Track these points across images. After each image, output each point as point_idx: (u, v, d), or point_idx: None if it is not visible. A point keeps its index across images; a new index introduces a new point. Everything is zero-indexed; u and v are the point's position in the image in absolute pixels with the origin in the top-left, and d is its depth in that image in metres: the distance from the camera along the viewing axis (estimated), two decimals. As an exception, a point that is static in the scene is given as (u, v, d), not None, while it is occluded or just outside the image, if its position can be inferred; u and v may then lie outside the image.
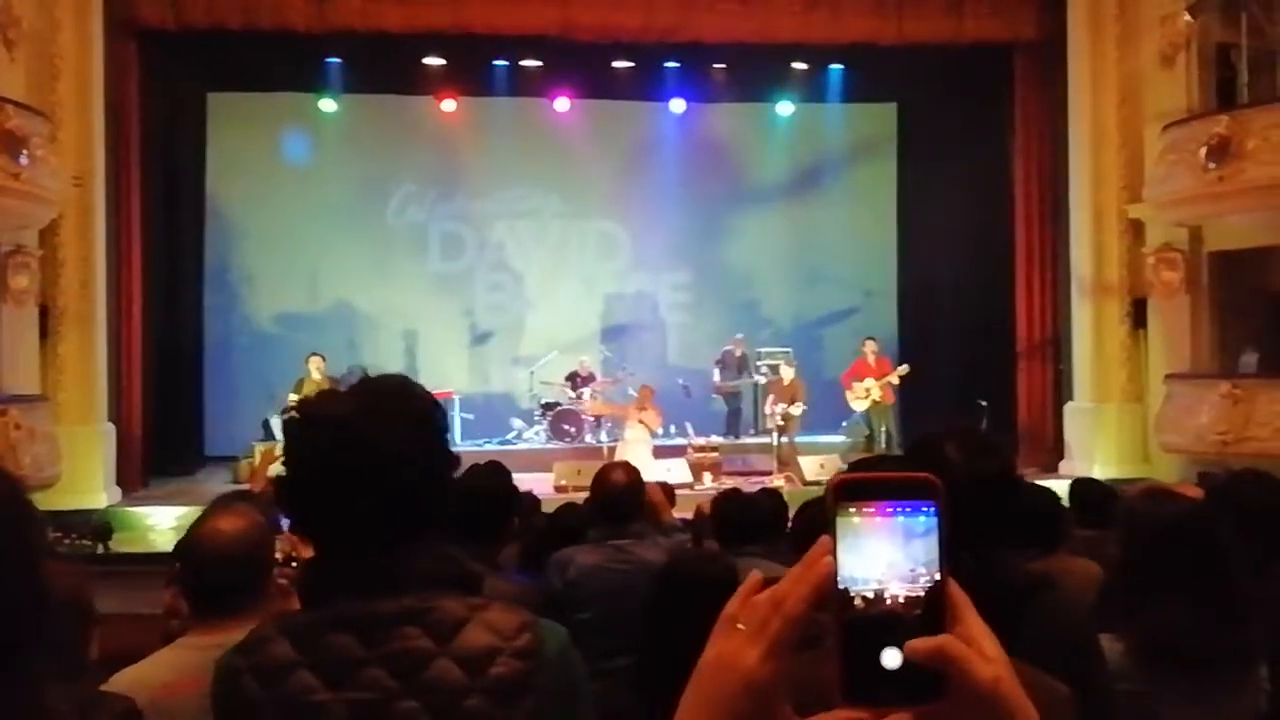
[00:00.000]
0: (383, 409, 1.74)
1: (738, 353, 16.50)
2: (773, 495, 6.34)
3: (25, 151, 11.57)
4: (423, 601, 1.69)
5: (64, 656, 1.87)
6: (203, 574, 2.55)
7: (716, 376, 16.50)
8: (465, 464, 4.18)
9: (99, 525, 11.18)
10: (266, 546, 2.65)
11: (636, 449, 13.48)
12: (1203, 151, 12.50)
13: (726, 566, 3.36)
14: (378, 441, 1.69)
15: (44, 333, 12.98)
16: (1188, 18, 13.39)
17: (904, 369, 15.12)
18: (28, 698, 1.64)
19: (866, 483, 0.92)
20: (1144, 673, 2.41)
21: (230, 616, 2.47)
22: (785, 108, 17.79)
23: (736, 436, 16.32)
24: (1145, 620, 2.45)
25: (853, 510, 0.92)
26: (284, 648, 1.67)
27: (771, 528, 5.24)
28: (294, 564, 2.80)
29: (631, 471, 4.60)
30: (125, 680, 2.34)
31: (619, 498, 4.47)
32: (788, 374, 15.06)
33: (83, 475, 12.67)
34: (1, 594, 1.65)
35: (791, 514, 5.64)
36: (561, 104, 17.18)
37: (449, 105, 17.00)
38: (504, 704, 1.66)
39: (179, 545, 2.69)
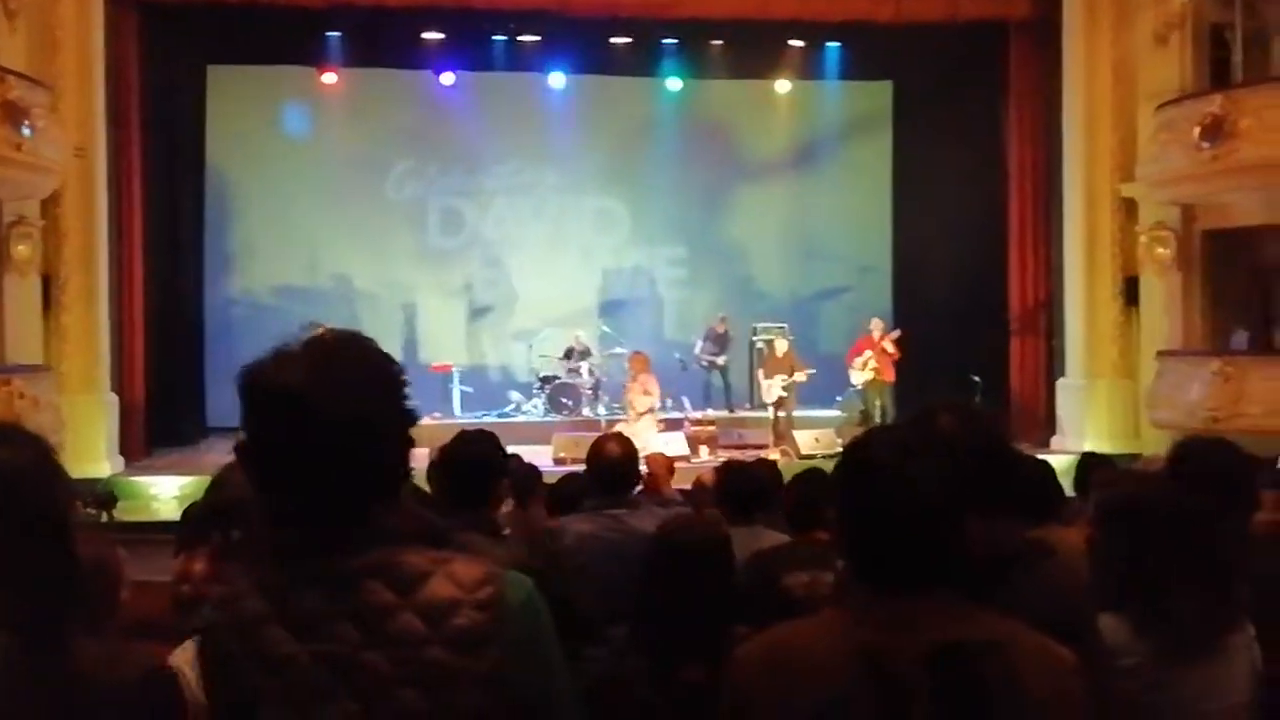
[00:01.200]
0: (336, 373, 1.71)
1: (720, 329, 16.64)
2: (768, 465, 6.45)
3: (27, 122, 11.64)
4: (386, 556, 1.71)
5: (91, 614, 1.95)
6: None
7: (698, 348, 16.67)
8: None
9: (103, 494, 11.31)
10: None
11: (643, 427, 13.56)
12: (1196, 131, 12.56)
13: (716, 533, 3.45)
14: (333, 411, 1.67)
15: (46, 303, 13.08)
16: (1182, -3, 13.47)
17: (896, 333, 15.32)
18: (59, 650, 1.72)
19: None
20: (1145, 645, 2.51)
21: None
22: (783, 85, 17.84)
23: (731, 410, 16.48)
24: (1154, 599, 2.54)
25: None
26: (257, 603, 1.70)
27: (772, 496, 5.33)
28: None
29: (625, 442, 4.69)
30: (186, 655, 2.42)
31: (614, 468, 4.55)
32: (781, 347, 15.23)
33: (86, 445, 12.76)
34: (35, 552, 1.74)
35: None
36: (556, 80, 17.23)
37: (448, 79, 17.04)
38: (465, 654, 1.68)
39: (216, 505, 2.75)
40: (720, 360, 16.59)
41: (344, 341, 1.78)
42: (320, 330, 1.81)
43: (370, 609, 1.68)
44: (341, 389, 1.69)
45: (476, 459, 3.98)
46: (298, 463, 1.70)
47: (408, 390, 1.78)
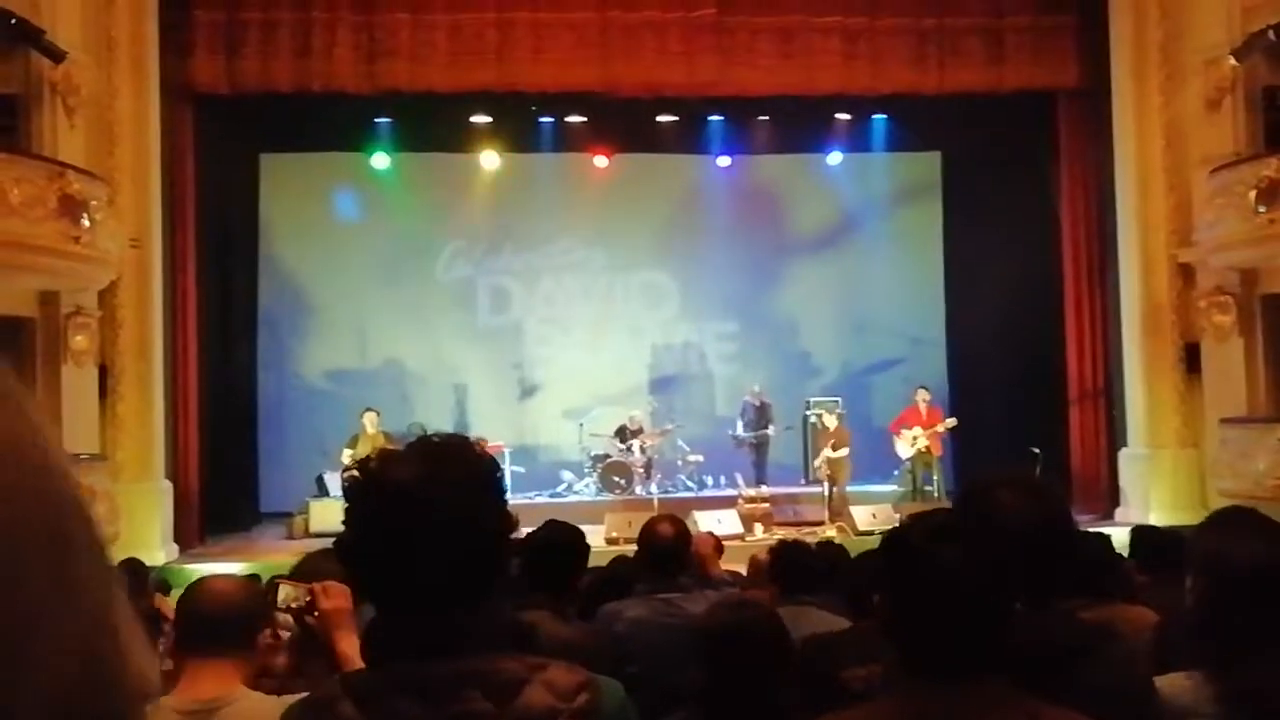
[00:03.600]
0: (444, 472, 1.74)
1: (757, 403, 16.39)
2: (832, 547, 6.34)
3: (85, 215, 11.86)
4: (483, 663, 1.70)
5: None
6: (190, 629, 2.64)
7: (739, 428, 16.41)
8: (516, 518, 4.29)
9: (157, 582, 11.29)
10: (256, 603, 2.71)
11: None
12: (1252, 194, 12.42)
13: (764, 615, 3.34)
14: (440, 507, 1.71)
15: (103, 392, 13.23)
16: (1233, 61, 13.36)
17: (951, 422, 15.13)
18: None
19: None
20: (1219, 708, 2.41)
21: (212, 670, 2.56)
22: (834, 157, 17.87)
23: (764, 485, 16.16)
24: (1239, 668, 2.43)
25: None
26: (348, 709, 1.68)
27: (829, 576, 5.23)
28: (315, 614, 2.84)
29: (678, 524, 4.62)
30: None
31: (666, 550, 4.49)
32: (831, 422, 15.15)
33: (141, 533, 12.82)
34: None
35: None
36: (600, 161, 17.37)
37: (494, 162, 17.25)
38: None
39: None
40: (770, 431, 16.31)
41: (451, 443, 1.82)
42: (424, 433, 1.87)
43: (468, 718, 1.67)
44: (450, 488, 1.73)
45: (567, 547, 4.15)
46: (401, 560, 1.71)
47: (506, 496, 1.85)
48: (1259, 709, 2.39)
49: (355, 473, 1.83)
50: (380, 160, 17.10)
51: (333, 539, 1.86)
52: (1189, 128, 14.22)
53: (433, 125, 16.40)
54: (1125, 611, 3.79)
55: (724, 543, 7.89)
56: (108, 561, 0.76)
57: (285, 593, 2.92)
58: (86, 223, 11.85)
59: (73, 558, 0.73)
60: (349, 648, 2.69)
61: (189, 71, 14.19)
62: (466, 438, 1.85)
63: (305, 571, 3.12)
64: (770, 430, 16.24)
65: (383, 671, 1.74)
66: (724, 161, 17.72)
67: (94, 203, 12.09)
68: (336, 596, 2.78)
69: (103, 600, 0.74)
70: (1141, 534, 6.17)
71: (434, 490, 1.71)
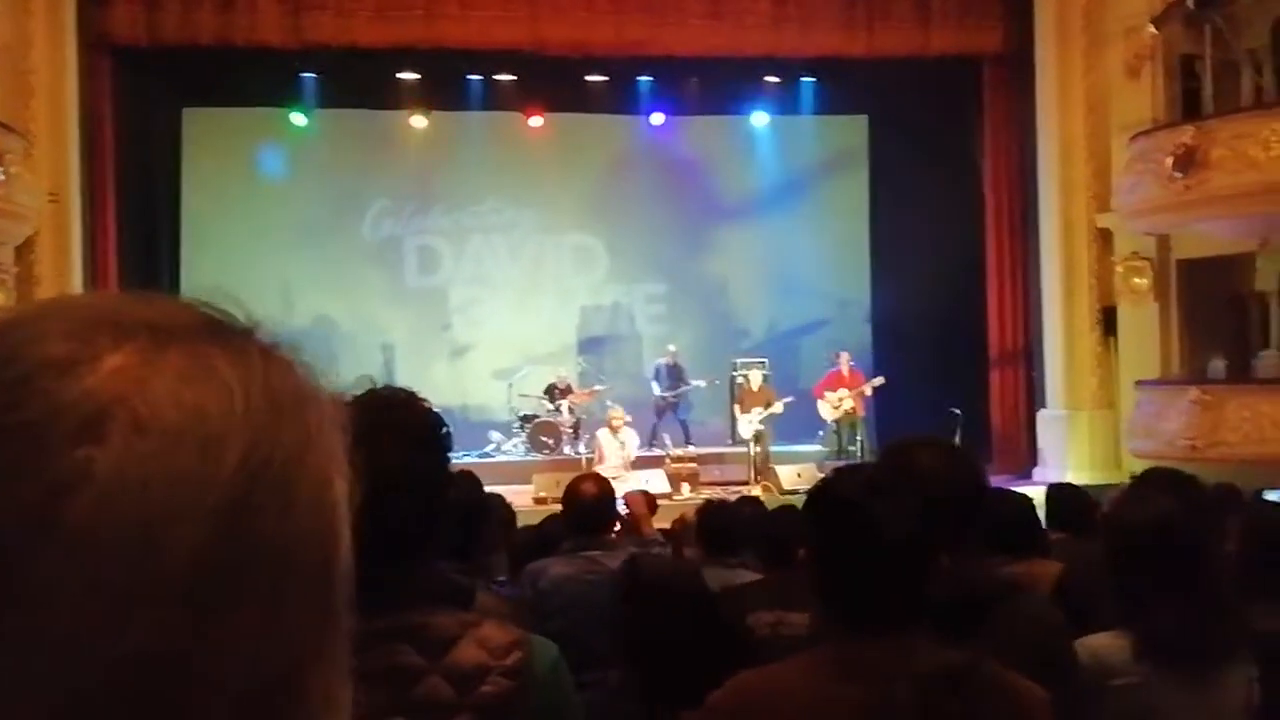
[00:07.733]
0: (386, 426, 1.70)
1: (671, 362, 16.41)
2: (753, 502, 6.40)
3: (0, 169, 11.60)
4: (416, 617, 1.70)
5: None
6: None
7: (656, 390, 16.44)
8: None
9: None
10: None
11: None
12: (1169, 161, 12.63)
13: (687, 573, 3.37)
14: (379, 460, 1.63)
15: (19, 349, 12.97)
16: (1152, 30, 13.56)
17: (878, 381, 15.32)
18: None
19: None
20: (1142, 667, 2.50)
21: None
22: (760, 118, 17.91)
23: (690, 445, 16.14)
24: (1145, 619, 2.53)
25: None
26: None
27: (753, 535, 5.28)
28: None
29: (602, 483, 4.69)
30: None
31: (589, 509, 4.55)
32: (756, 380, 15.22)
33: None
34: None
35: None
36: (535, 121, 17.26)
37: (419, 121, 17.06)
38: None
39: None
40: (690, 385, 16.30)
41: (398, 397, 1.79)
42: (374, 386, 1.83)
43: (398, 672, 1.66)
44: (390, 440, 1.68)
45: (460, 503, 3.77)
46: None
47: (450, 454, 1.82)
48: (1169, 657, 2.50)
49: None
50: (298, 118, 16.82)
51: None
52: (1110, 94, 14.45)
53: (359, 81, 16.16)
54: (1037, 566, 3.92)
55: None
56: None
57: None
58: (1, 176, 11.59)
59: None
60: None
61: (107, 22, 13.85)
62: (413, 392, 1.82)
63: None
64: (691, 385, 16.28)
65: None
66: (658, 119, 17.62)
67: (9, 156, 11.83)
68: None
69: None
70: (1055, 492, 6.32)
71: (373, 443, 1.65)
